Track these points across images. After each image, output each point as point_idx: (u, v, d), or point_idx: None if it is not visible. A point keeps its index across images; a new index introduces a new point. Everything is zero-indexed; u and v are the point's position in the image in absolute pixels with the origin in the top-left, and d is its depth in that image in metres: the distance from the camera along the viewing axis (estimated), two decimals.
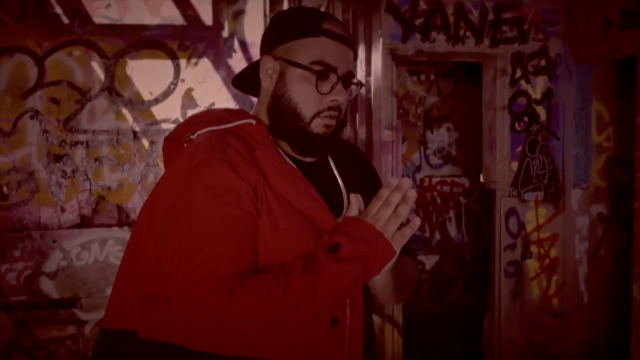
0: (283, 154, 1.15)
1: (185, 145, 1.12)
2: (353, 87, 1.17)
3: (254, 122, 1.15)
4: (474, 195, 4.55)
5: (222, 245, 0.99)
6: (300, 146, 1.13)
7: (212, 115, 1.18)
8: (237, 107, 3.07)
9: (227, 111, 1.19)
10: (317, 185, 1.13)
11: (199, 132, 1.12)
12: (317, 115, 1.11)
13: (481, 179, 3.61)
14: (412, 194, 0.99)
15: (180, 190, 1.03)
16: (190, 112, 3.01)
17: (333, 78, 1.11)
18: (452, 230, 4.55)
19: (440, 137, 4.49)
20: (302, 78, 1.10)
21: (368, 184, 1.26)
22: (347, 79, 1.13)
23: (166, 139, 1.19)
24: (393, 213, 1.00)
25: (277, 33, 1.15)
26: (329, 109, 1.11)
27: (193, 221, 1.00)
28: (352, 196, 1.06)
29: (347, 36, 1.14)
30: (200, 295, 0.96)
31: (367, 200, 1.08)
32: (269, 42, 1.16)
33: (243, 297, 0.97)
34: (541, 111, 3.35)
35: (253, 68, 1.19)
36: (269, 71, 1.13)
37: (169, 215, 1.03)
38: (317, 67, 1.09)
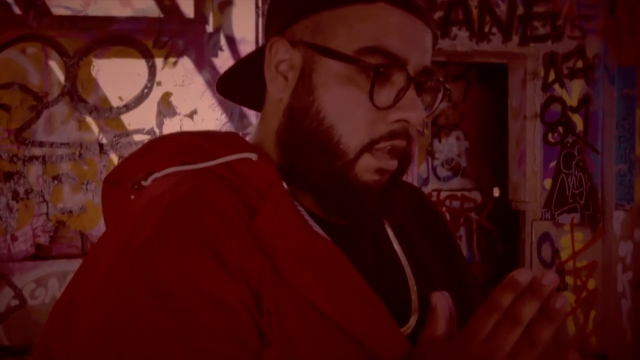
0: (306, 215, 0.69)
1: (132, 196, 0.68)
2: (435, 93, 0.72)
3: (254, 157, 0.70)
4: (487, 211, 4.40)
5: None
6: (336, 203, 0.69)
7: (182, 144, 0.73)
8: (224, 125, 2.91)
9: (207, 137, 0.72)
10: (364, 271, 0.67)
11: (156, 174, 0.68)
12: (369, 147, 0.65)
13: (495, 193, 3.43)
14: (561, 303, 0.52)
15: (115, 292, 0.56)
16: (168, 122, 2.66)
17: (400, 79, 0.66)
18: (463, 250, 4.41)
19: (449, 146, 4.39)
20: (344, 79, 0.65)
21: (445, 256, 0.83)
22: (425, 80, 0.69)
23: (105, 181, 0.72)
24: (525, 337, 0.54)
25: None
26: (392, 136, 0.66)
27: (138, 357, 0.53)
28: (435, 296, 0.62)
29: (421, 3, 0.68)
30: None
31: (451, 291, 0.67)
32: (282, 15, 0.70)
33: None
34: (578, 120, 3.17)
35: (250, 63, 0.74)
36: (281, 67, 0.69)
37: (98, 329, 0.56)
38: (371, 59, 0.64)
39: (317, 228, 0.67)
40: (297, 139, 0.68)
